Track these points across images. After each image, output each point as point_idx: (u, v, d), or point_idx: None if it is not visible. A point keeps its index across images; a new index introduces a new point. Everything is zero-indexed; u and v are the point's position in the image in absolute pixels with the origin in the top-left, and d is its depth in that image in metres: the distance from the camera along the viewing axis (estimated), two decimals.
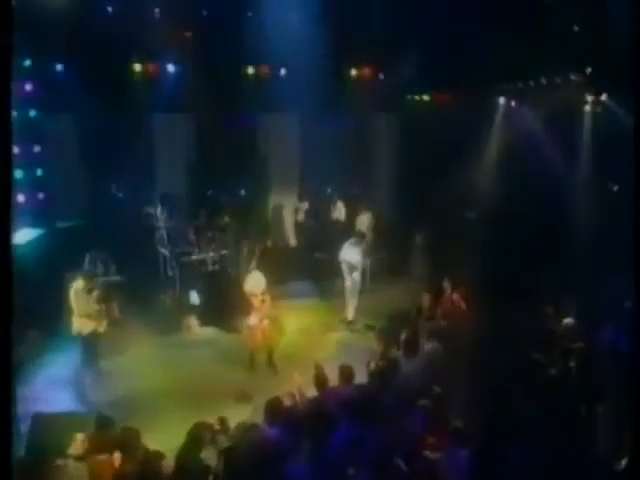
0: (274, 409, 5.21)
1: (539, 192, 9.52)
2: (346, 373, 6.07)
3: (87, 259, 8.09)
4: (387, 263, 10.30)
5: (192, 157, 10.45)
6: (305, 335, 8.63)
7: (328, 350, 7.98)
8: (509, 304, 7.77)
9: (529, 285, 8.21)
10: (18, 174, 9.56)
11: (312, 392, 5.92)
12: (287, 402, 5.53)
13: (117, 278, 8.12)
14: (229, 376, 7.30)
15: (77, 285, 6.52)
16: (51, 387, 6.63)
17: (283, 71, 10.65)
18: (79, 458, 4.44)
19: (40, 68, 9.28)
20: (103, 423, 5.53)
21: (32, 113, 9.56)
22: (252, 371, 7.52)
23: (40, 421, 5.50)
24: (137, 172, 9.74)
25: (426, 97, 11.06)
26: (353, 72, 10.95)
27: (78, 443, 4.49)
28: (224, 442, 5.14)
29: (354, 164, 10.60)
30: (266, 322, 7.55)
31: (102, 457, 4.45)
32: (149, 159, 10.18)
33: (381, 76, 11.06)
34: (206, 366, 7.59)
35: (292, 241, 10.59)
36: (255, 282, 7.73)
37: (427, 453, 4.68)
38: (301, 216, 10.45)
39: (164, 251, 9.02)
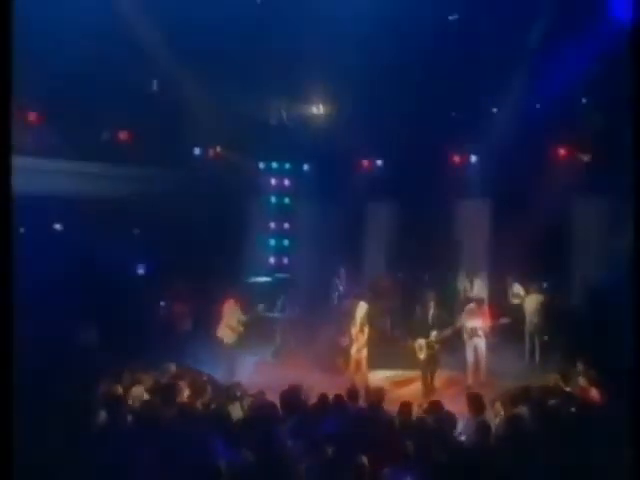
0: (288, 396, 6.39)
1: None
2: (377, 393, 6.61)
3: (280, 300, 11.11)
4: (551, 348, 9.52)
5: (384, 239, 12.58)
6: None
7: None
8: None
9: None
10: (271, 242, 13.66)
11: None
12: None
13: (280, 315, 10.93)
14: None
15: (230, 303, 9.31)
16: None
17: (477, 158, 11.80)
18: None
19: (292, 168, 13.49)
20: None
21: (286, 200, 13.64)
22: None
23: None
24: (343, 247, 12.38)
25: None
26: (552, 154, 11.03)
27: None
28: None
29: (540, 247, 10.37)
30: (363, 354, 8.48)
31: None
32: (355, 239, 12.73)
33: (586, 158, 10.78)
34: (320, 379, 8.53)
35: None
36: (357, 311, 8.73)
37: (363, 459, 4.74)
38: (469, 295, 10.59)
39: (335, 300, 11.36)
